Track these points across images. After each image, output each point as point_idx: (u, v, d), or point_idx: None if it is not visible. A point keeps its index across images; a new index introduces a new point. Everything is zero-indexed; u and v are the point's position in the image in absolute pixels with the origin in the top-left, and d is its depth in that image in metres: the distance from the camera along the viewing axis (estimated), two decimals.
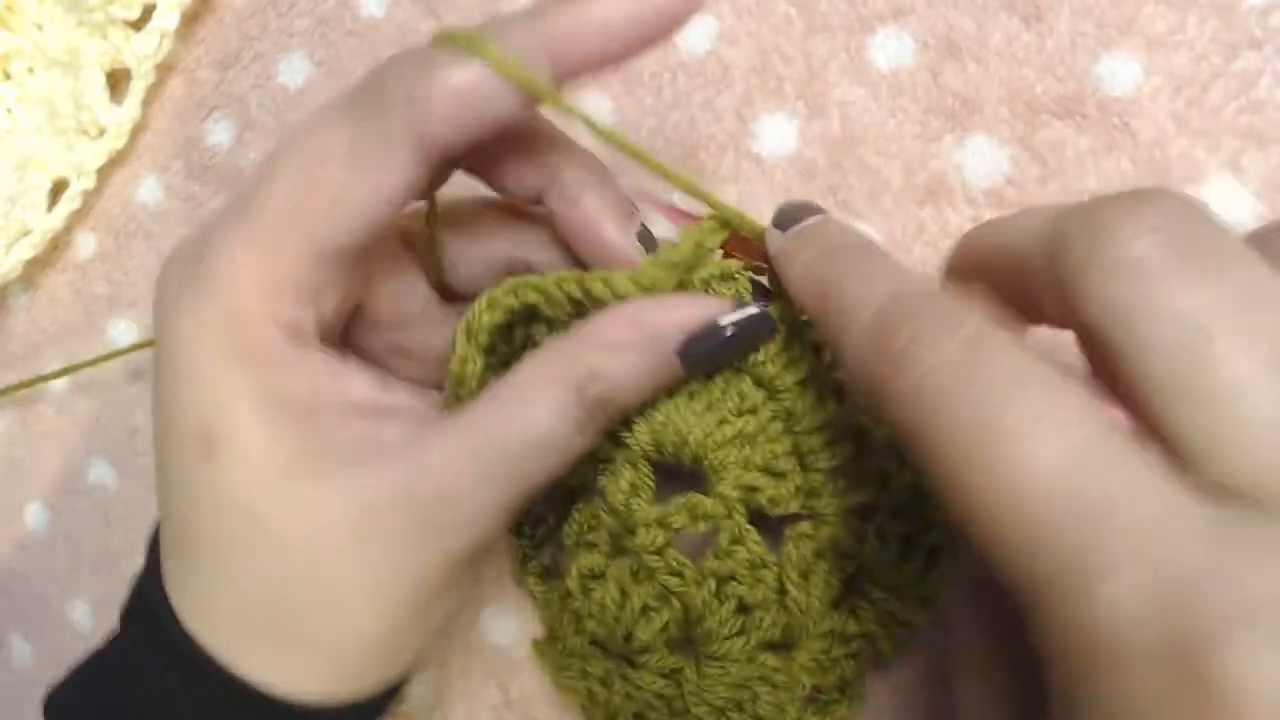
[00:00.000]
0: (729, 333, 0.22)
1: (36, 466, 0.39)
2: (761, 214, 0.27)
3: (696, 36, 0.29)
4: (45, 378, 0.38)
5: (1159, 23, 0.24)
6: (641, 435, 0.23)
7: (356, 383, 0.23)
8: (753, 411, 0.23)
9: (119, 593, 0.24)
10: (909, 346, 0.16)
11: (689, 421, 0.23)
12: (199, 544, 0.22)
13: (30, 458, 0.39)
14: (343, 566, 0.21)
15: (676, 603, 0.24)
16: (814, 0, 0.27)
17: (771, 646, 0.24)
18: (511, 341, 0.24)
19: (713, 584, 0.23)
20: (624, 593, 0.24)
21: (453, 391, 0.24)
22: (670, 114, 0.28)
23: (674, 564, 0.23)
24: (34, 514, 0.39)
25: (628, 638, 0.24)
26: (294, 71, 0.34)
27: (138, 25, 0.35)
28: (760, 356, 0.23)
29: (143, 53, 0.35)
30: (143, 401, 0.36)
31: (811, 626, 0.23)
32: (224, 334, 0.21)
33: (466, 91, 0.20)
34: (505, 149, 0.23)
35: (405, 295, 0.25)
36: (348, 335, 0.24)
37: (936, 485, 0.16)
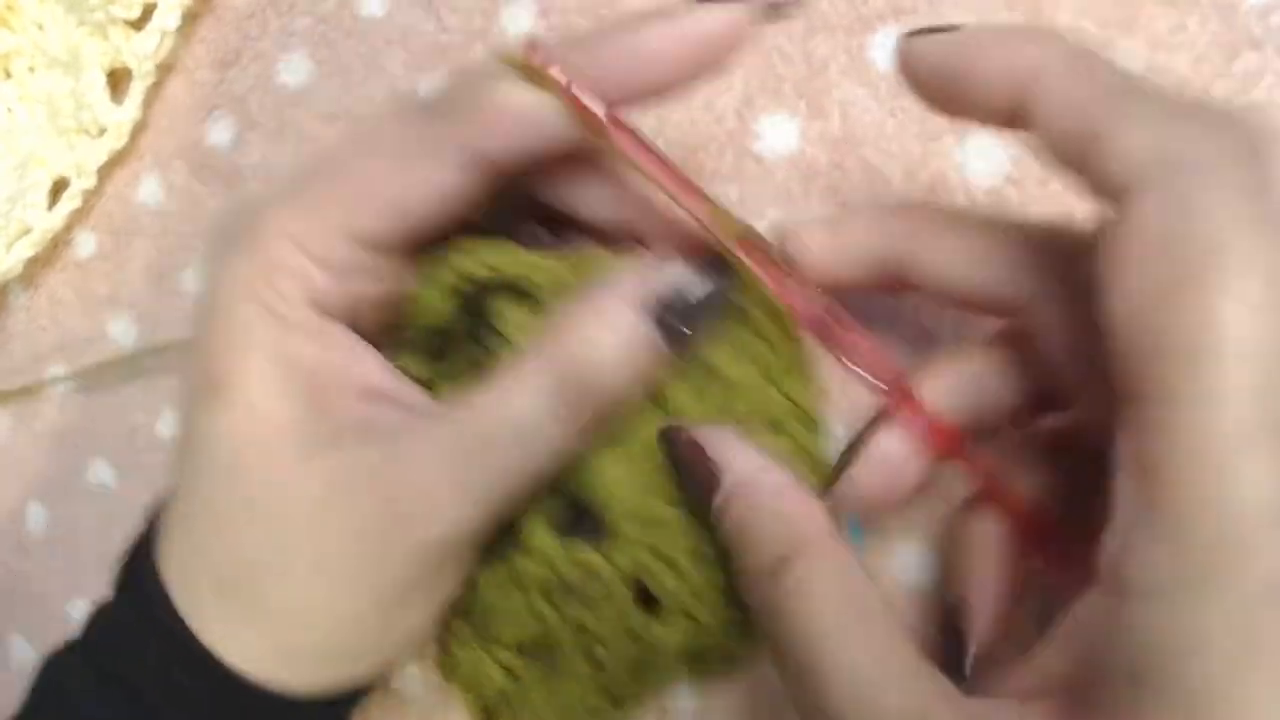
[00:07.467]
0: (693, 291, 0.21)
1: (36, 466, 0.39)
2: (764, 214, 0.27)
3: None
4: (47, 384, 0.38)
5: (1159, 23, 0.24)
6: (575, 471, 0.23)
7: (369, 367, 0.23)
8: (679, 505, 0.22)
9: None
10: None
11: (624, 484, 0.22)
12: (187, 495, 0.22)
13: (30, 458, 0.39)
14: (307, 542, 0.21)
15: (536, 627, 0.24)
16: (814, 0, 0.27)
17: (610, 693, 0.24)
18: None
19: (570, 633, 0.23)
20: (499, 588, 0.24)
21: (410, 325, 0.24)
22: (670, 114, 0.28)
23: (543, 602, 0.23)
24: (34, 514, 0.39)
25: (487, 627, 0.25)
26: (294, 71, 0.34)
27: (138, 25, 0.35)
28: None
29: (143, 52, 0.35)
30: (143, 401, 0.36)
31: (656, 684, 0.24)
32: (253, 289, 0.22)
33: (522, 113, 0.21)
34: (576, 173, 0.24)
35: None
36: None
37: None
